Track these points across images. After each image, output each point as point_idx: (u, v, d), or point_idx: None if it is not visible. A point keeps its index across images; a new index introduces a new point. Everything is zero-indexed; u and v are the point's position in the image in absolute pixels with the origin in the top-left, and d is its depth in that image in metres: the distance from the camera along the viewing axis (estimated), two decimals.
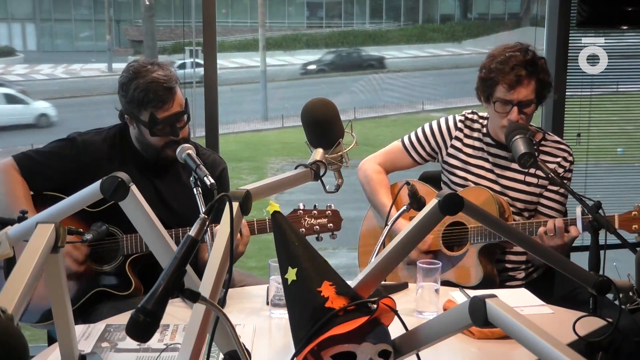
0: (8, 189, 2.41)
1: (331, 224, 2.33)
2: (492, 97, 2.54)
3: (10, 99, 10.02)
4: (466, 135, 2.69)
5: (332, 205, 2.39)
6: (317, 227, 2.32)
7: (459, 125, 2.70)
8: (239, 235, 2.24)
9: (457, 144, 2.70)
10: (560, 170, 2.60)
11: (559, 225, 2.36)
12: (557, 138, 2.70)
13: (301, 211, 2.32)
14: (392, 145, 2.80)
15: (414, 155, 2.75)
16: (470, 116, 2.71)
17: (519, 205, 2.62)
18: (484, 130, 2.67)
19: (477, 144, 2.67)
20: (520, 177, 2.59)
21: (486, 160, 2.66)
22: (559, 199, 2.62)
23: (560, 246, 2.35)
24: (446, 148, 2.71)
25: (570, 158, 2.63)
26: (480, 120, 2.69)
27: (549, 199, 2.62)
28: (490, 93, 2.54)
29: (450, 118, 2.73)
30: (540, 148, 2.62)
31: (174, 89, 2.38)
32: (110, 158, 2.48)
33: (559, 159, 2.61)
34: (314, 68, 14.54)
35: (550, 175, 2.19)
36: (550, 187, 2.60)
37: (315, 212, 2.33)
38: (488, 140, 2.66)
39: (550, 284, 2.66)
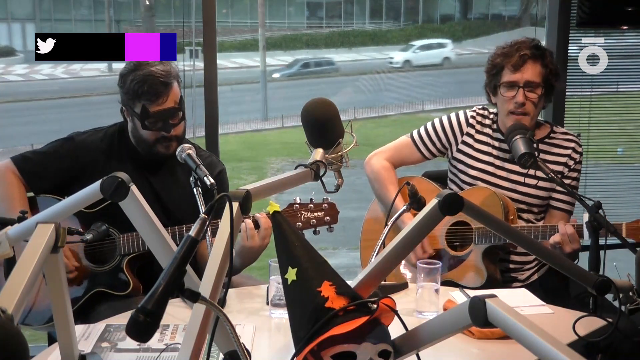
0: (4, 193, 2.41)
1: (328, 217, 2.29)
2: (499, 85, 2.54)
3: None
4: (477, 131, 2.69)
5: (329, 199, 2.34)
6: (314, 220, 2.28)
7: (471, 121, 2.70)
8: (253, 229, 2.24)
9: (469, 139, 2.69)
10: (571, 163, 2.61)
11: (571, 232, 2.35)
12: (564, 130, 2.70)
13: (297, 205, 2.28)
14: (401, 139, 2.78)
15: (423, 151, 2.73)
16: (481, 112, 2.71)
17: (530, 200, 2.61)
18: (494, 126, 2.67)
19: (488, 140, 2.67)
20: (530, 172, 2.58)
21: (497, 157, 2.65)
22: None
23: (569, 254, 2.35)
24: (457, 144, 2.70)
25: (579, 149, 2.64)
26: (491, 116, 2.69)
27: (561, 193, 2.61)
28: (497, 81, 2.54)
29: (462, 113, 2.72)
30: (550, 141, 2.62)
31: (170, 85, 2.37)
32: (108, 155, 2.48)
33: (569, 151, 2.62)
34: None
35: (550, 176, 2.19)
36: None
37: (311, 205, 2.29)
38: (498, 135, 2.66)
39: (565, 284, 2.64)
